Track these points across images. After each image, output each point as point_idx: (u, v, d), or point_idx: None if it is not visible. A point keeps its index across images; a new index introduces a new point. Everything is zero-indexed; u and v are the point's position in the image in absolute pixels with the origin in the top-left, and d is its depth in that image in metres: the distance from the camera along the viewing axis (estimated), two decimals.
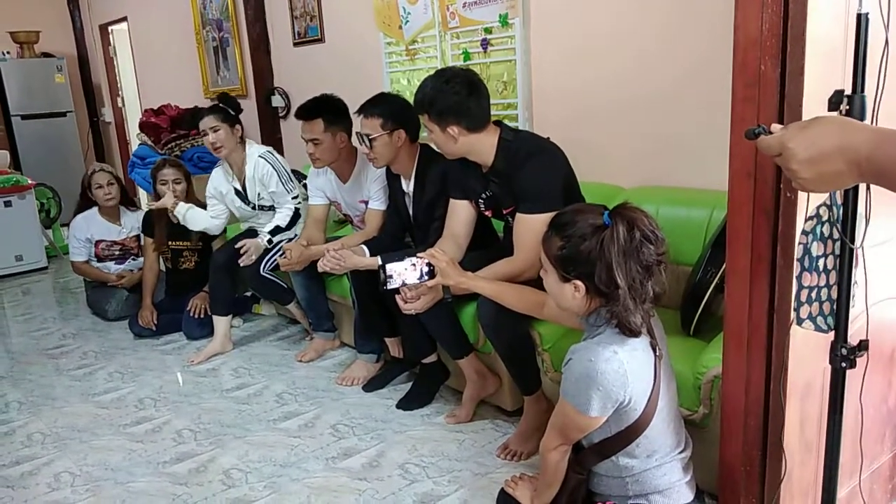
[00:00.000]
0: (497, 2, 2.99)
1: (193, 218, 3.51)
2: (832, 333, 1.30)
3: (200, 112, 3.37)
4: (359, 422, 2.61)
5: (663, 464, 1.50)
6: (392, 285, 2.09)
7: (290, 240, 3.27)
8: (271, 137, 4.70)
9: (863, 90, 1.17)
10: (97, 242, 4.00)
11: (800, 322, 1.33)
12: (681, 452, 1.53)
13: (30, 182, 5.27)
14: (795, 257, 1.31)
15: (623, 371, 1.38)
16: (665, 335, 1.55)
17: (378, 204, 2.98)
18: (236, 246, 3.22)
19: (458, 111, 2.17)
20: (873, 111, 1.18)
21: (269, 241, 3.26)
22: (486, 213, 2.41)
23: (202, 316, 3.58)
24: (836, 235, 1.28)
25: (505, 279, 2.10)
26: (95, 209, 4.00)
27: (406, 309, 2.23)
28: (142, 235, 3.95)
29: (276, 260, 3.15)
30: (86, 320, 4.08)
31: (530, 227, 2.07)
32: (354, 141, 2.86)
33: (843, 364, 1.28)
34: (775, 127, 1.03)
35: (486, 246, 2.53)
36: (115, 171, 4.11)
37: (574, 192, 2.24)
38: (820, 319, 1.32)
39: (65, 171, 6.65)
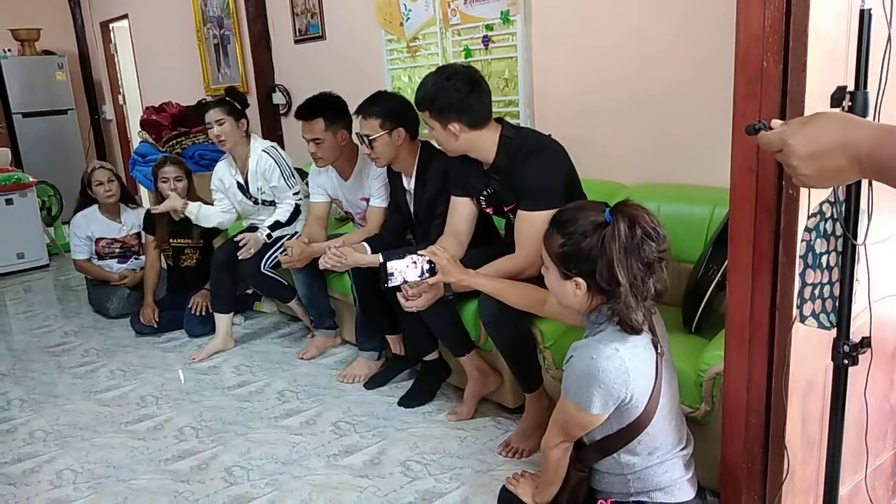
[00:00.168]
0: None
1: (206, 215, 3.51)
2: (834, 330, 1.30)
3: (207, 104, 3.37)
4: (360, 419, 2.61)
5: (665, 461, 1.50)
6: (393, 283, 2.09)
7: (292, 237, 3.28)
8: (272, 135, 4.70)
9: (865, 86, 1.16)
10: (97, 240, 4.00)
11: (803, 319, 1.33)
12: (682, 450, 1.53)
13: (31, 180, 5.28)
14: (798, 254, 1.31)
15: (624, 368, 1.37)
16: (666, 332, 1.55)
17: (379, 201, 2.98)
18: (235, 239, 3.22)
19: (460, 108, 2.17)
20: (876, 107, 1.17)
21: (269, 236, 3.26)
22: (488, 210, 2.41)
23: (203, 313, 3.58)
24: (838, 232, 1.27)
25: (506, 276, 2.10)
26: (95, 207, 4.00)
27: (407, 307, 2.23)
28: (143, 233, 3.95)
29: (277, 257, 3.15)
30: (87, 318, 4.09)
31: (531, 224, 2.07)
32: (355, 139, 2.85)
33: (846, 361, 1.27)
34: (776, 123, 1.03)
35: (488, 243, 2.53)
36: (115, 169, 4.11)
37: (575, 190, 2.24)
38: (823, 316, 1.32)
39: (66, 169, 6.64)
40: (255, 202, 3.45)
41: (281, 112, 4.81)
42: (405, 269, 2.08)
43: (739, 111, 1.36)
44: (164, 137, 4.76)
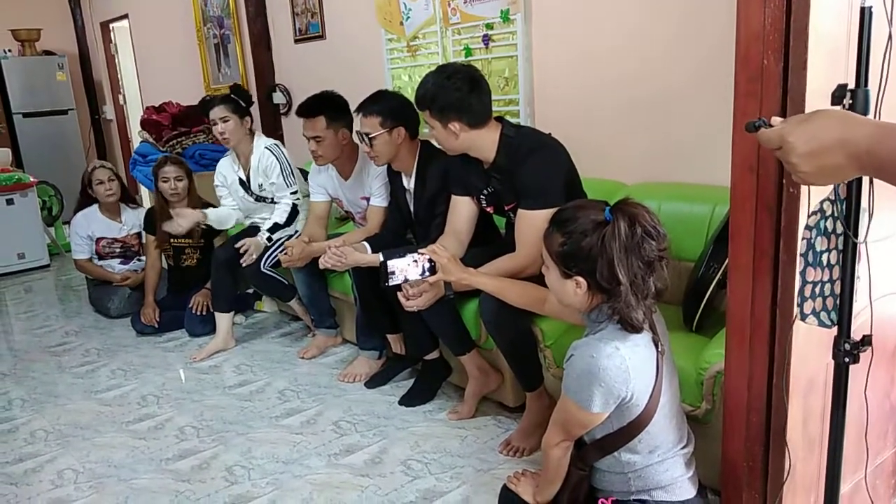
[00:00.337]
0: None
1: (219, 217, 3.50)
2: (835, 329, 1.30)
3: (212, 100, 3.37)
4: (361, 418, 2.61)
5: (665, 459, 1.50)
6: (394, 282, 2.09)
7: (292, 236, 3.28)
8: (273, 134, 4.69)
9: (866, 84, 1.16)
10: (98, 240, 4.00)
11: (803, 317, 1.32)
12: (683, 448, 1.53)
13: (32, 180, 5.28)
14: (799, 252, 1.31)
15: (625, 367, 1.37)
16: (667, 331, 1.55)
17: (380, 201, 2.98)
18: (236, 246, 3.22)
19: (460, 107, 2.17)
20: (877, 105, 1.17)
21: (269, 239, 3.27)
22: (488, 209, 2.41)
23: (204, 313, 3.58)
24: (839, 230, 1.27)
25: (507, 275, 2.10)
26: (96, 206, 4.00)
27: (408, 306, 2.23)
28: (143, 233, 3.95)
29: (277, 256, 3.15)
30: (88, 318, 4.09)
31: (532, 223, 2.07)
32: (355, 138, 2.85)
33: (847, 359, 1.27)
34: (775, 120, 1.03)
35: (488, 242, 2.53)
36: (115, 168, 4.11)
37: (576, 189, 2.24)
38: (823, 315, 1.31)
39: (66, 169, 6.64)
40: (256, 199, 3.45)
41: (281, 111, 4.81)
42: (406, 268, 2.08)
43: (740, 109, 1.36)
44: (164, 137, 4.76)
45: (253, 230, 3.45)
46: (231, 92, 3.38)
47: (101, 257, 4.03)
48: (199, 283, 3.68)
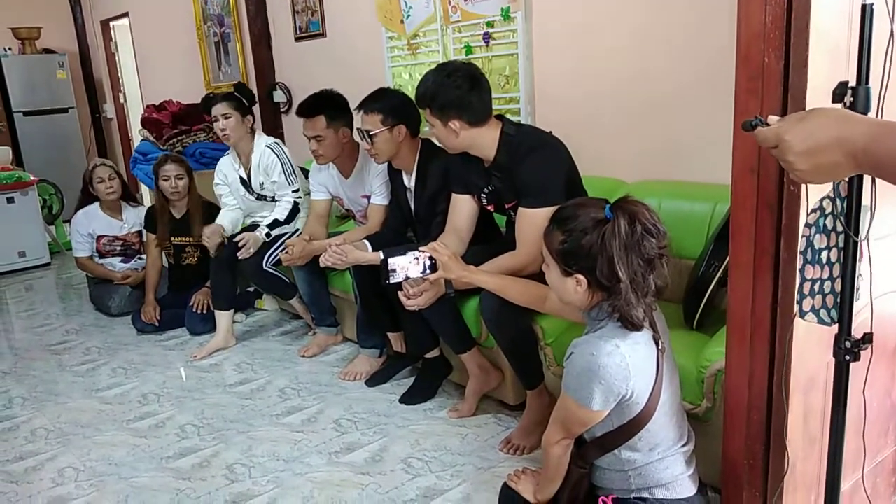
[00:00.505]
0: None
1: (233, 221, 3.48)
2: (836, 326, 1.30)
3: (215, 97, 3.37)
4: (362, 416, 2.61)
5: (666, 457, 1.50)
6: (395, 280, 2.09)
7: (292, 235, 3.28)
8: (273, 133, 4.68)
9: (867, 82, 1.16)
10: (98, 238, 4.00)
11: (802, 315, 1.32)
12: (683, 446, 1.53)
13: (32, 178, 5.28)
14: (798, 250, 1.31)
15: (625, 365, 1.37)
16: (667, 329, 1.55)
17: (380, 199, 2.98)
18: (235, 239, 3.23)
19: (460, 105, 2.16)
20: (878, 103, 1.17)
21: (268, 235, 3.27)
22: (489, 207, 2.41)
23: (205, 311, 3.58)
24: (839, 228, 1.27)
25: (507, 273, 2.10)
26: (97, 204, 4.00)
27: (409, 305, 2.23)
28: (144, 231, 3.95)
29: (278, 255, 3.15)
30: (89, 316, 4.09)
31: (532, 221, 2.07)
32: (356, 136, 2.85)
33: (847, 357, 1.27)
34: (772, 118, 1.02)
35: (489, 240, 2.53)
36: (116, 166, 4.11)
37: (576, 187, 2.24)
38: (823, 312, 1.31)
39: (67, 168, 6.65)
40: (257, 197, 3.45)
41: (282, 110, 4.81)
42: (407, 266, 2.08)
43: (741, 108, 1.36)
44: (164, 135, 4.77)
45: (252, 227, 3.44)
46: (235, 90, 3.39)
47: (101, 255, 4.03)
48: (199, 281, 3.68)
